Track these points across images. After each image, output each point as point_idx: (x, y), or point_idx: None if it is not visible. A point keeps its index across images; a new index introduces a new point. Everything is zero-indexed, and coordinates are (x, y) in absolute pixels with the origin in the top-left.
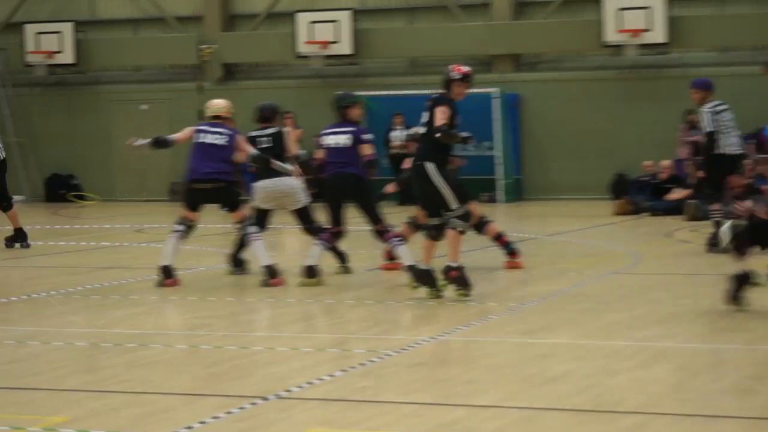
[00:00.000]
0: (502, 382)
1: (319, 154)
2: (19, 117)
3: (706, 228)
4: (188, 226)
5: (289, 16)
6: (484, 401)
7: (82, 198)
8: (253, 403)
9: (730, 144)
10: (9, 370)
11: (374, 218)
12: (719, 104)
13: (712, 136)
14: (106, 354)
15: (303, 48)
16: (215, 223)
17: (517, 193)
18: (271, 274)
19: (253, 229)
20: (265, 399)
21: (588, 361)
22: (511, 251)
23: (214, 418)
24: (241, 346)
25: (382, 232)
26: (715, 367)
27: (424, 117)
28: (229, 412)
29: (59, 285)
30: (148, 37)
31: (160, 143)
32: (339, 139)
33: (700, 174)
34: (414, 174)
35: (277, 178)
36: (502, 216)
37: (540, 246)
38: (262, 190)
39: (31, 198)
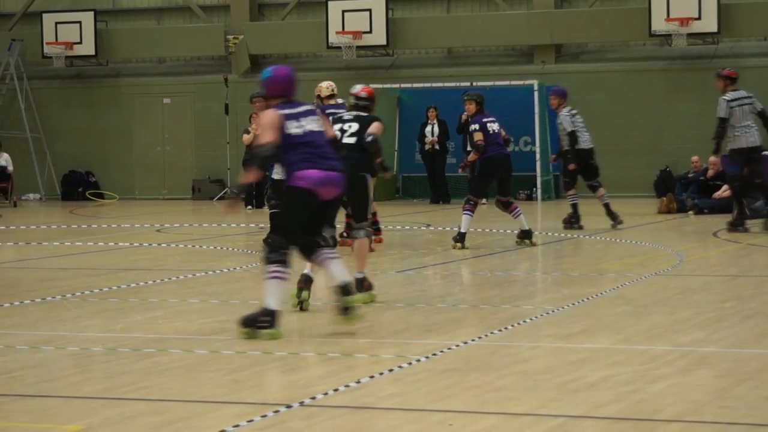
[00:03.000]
0: (537, 389)
1: None
2: (35, 111)
3: (754, 227)
4: None
5: (319, 5)
6: (518, 409)
7: (100, 196)
8: (276, 411)
9: (584, 140)
10: (22, 377)
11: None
12: (572, 109)
13: (574, 135)
14: (123, 360)
15: (334, 38)
16: (238, 222)
17: (556, 190)
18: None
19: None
20: (288, 407)
21: (627, 366)
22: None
23: (235, 426)
24: (264, 351)
25: None
26: (761, 374)
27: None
28: (251, 421)
29: (75, 287)
30: (171, 27)
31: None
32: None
33: (571, 166)
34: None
35: None
36: (539, 214)
37: (579, 246)
38: None
39: (47, 196)
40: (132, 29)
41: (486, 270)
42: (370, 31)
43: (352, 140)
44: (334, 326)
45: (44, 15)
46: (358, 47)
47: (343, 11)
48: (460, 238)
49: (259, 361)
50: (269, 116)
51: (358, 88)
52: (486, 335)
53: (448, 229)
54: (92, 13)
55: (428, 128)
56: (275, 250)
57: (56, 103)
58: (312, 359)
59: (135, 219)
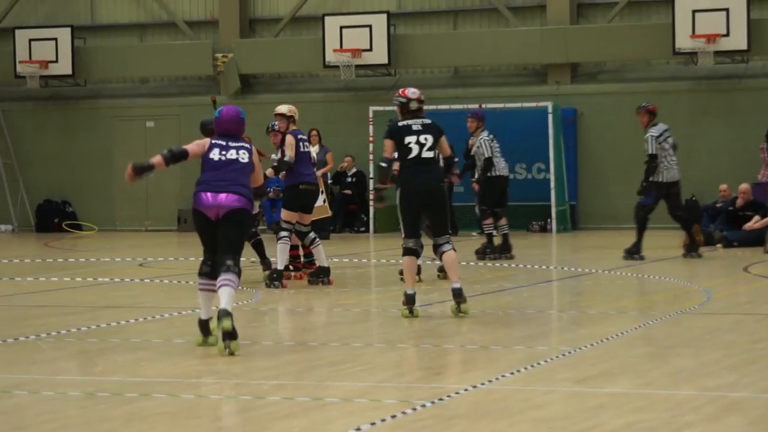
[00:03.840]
0: None
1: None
2: (7, 136)
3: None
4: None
5: (316, 21)
6: None
7: (77, 228)
8: None
9: (501, 167)
10: None
11: None
12: (490, 133)
13: (490, 161)
14: (103, 405)
15: (331, 56)
16: None
17: (572, 221)
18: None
19: (286, 233)
20: None
21: (650, 413)
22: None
23: None
24: (255, 396)
25: None
26: None
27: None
28: None
29: (51, 326)
30: (155, 44)
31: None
32: None
33: (475, 186)
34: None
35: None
36: (554, 247)
37: (597, 282)
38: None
39: (20, 227)
40: (112, 47)
41: (497, 307)
42: (371, 49)
43: (431, 154)
44: (333, 367)
45: (17, 31)
46: (358, 66)
47: (342, 27)
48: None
49: (250, 406)
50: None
51: (417, 92)
52: (497, 378)
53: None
54: (69, 29)
55: None
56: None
57: (30, 127)
58: (307, 405)
59: (116, 252)
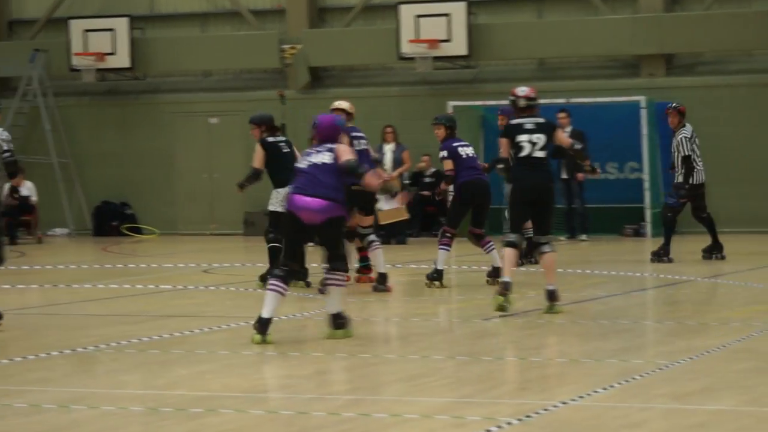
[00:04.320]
0: None
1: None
2: (62, 133)
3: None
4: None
5: (390, 9)
6: None
7: (137, 231)
8: None
9: None
10: None
11: None
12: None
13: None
14: (166, 421)
15: (407, 48)
16: None
17: None
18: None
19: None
20: None
21: None
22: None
23: None
24: (329, 412)
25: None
26: None
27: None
28: None
29: (110, 337)
30: (218, 35)
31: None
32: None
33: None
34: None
35: None
36: (648, 253)
37: (696, 290)
38: None
39: (77, 231)
40: (173, 38)
41: (588, 318)
42: (449, 40)
43: (542, 153)
44: (411, 381)
45: (71, 21)
46: (435, 58)
47: (418, 16)
48: (437, 275)
49: (323, 423)
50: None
51: (526, 90)
52: (588, 394)
53: (541, 270)
54: (127, 19)
55: None
56: (276, 267)
57: (86, 124)
58: (386, 421)
59: (178, 257)
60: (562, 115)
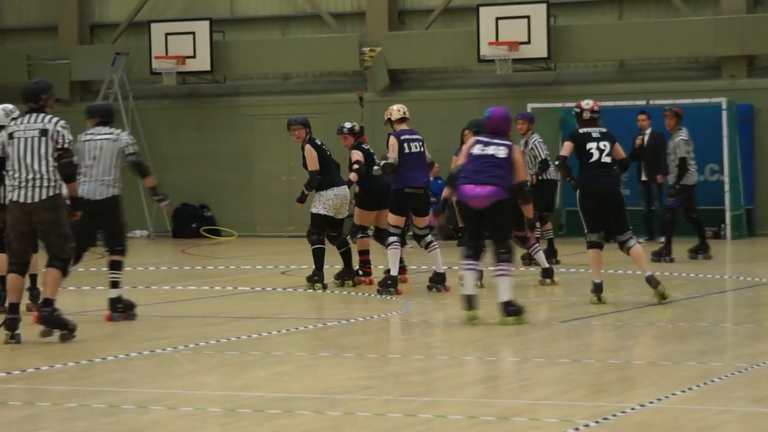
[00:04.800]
0: None
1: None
2: (142, 135)
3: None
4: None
5: (469, 12)
6: None
7: (216, 233)
8: None
9: (552, 171)
10: None
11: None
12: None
13: (546, 163)
14: (243, 422)
15: (486, 50)
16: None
17: (748, 227)
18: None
19: (396, 238)
20: None
21: None
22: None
23: None
24: (406, 414)
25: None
26: None
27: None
28: None
29: (188, 338)
30: (298, 38)
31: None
32: None
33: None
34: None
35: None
36: (728, 255)
37: None
38: (336, 197)
39: (156, 233)
40: (253, 41)
41: (665, 320)
42: (529, 42)
43: (609, 159)
44: (488, 383)
45: (153, 25)
46: (515, 60)
47: (497, 18)
48: (548, 273)
49: (400, 425)
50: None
51: (590, 103)
52: (666, 397)
53: (620, 272)
54: (207, 22)
55: None
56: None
57: (166, 126)
58: (461, 423)
59: (256, 259)
60: (642, 117)
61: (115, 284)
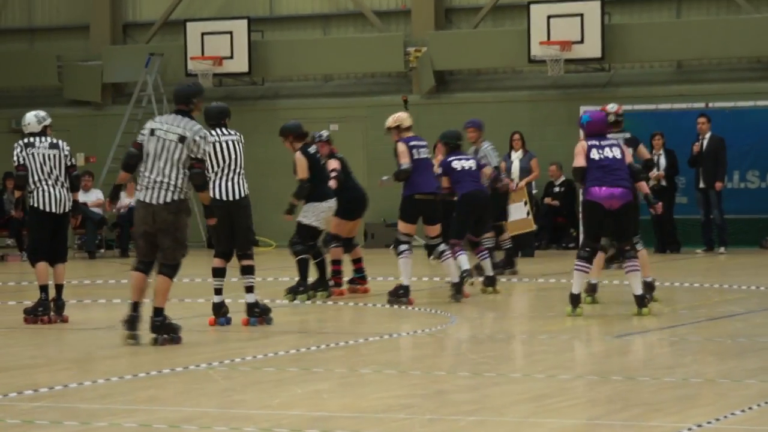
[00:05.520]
0: None
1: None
2: None
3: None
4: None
5: (520, 10)
6: None
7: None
8: None
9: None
10: None
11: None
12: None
13: (499, 170)
14: None
15: (537, 50)
16: (419, 276)
17: None
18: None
19: (407, 246)
20: None
21: None
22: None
23: None
24: None
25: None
26: None
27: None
28: None
29: (223, 354)
30: (340, 37)
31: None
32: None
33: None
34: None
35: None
36: None
37: None
38: (330, 210)
39: (191, 242)
40: (293, 41)
41: (725, 336)
42: (582, 41)
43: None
44: (538, 402)
45: (188, 24)
46: (567, 61)
47: (549, 17)
48: (457, 288)
49: None
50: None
51: (615, 107)
52: (725, 417)
53: (677, 284)
54: (245, 21)
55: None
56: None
57: None
58: None
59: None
60: (702, 120)
61: (250, 289)
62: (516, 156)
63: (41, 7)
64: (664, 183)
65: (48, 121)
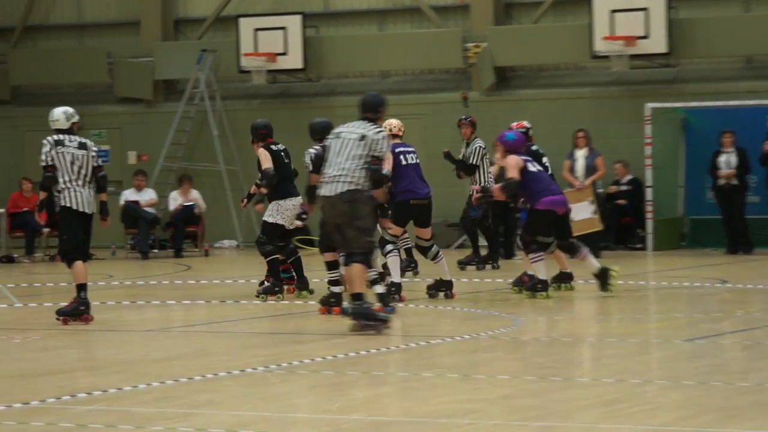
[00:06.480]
0: None
1: None
2: (230, 138)
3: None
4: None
5: (581, 4)
6: None
7: (309, 243)
8: None
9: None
10: None
11: None
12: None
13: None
14: None
15: (601, 45)
16: (482, 278)
17: None
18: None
19: (392, 246)
20: None
21: None
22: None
23: None
24: None
25: None
26: None
27: None
28: None
29: (280, 357)
30: (397, 33)
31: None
32: None
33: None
34: None
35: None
36: None
37: None
38: (295, 208)
39: (245, 243)
40: (348, 36)
41: None
42: (647, 36)
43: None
44: (606, 407)
45: (241, 20)
46: (632, 56)
47: (613, 11)
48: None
49: None
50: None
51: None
52: None
53: (749, 286)
54: (299, 17)
55: (722, 158)
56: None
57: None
58: None
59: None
60: None
61: (379, 280)
62: (580, 154)
63: (91, 3)
64: (735, 182)
65: (76, 119)
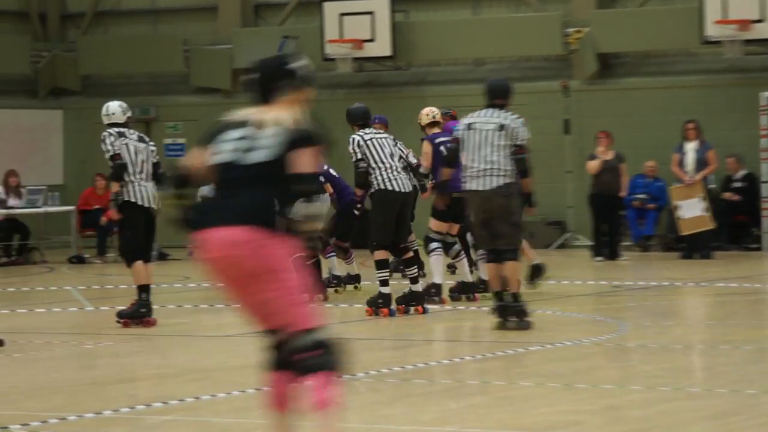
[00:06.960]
0: None
1: None
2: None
3: None
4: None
5: None
6: None
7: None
8: None
9: None
10: None
11: None
12: None
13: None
14: None
15: (712, 30)
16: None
17: None
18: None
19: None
20: None
21: None
22: None
23: None
24: None
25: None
26: None
27: None
28: None
29: (368, 364)
30: (492, 17)
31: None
32: None
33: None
34: None
35: None
36: None
37: None
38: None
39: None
40: (440, 21)
41: None
42: (763, 20)
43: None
44: (719, 420)
45: (325, 4)
46: (746, 41)
47: None
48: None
49: None
50: None
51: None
52: None
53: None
54: (387, 1)
55: None
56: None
57: (341, 120)
58: None
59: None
60: None
61: (414, 280)
62: (691, 147)
63: None
64: None
65: (130, 113)
